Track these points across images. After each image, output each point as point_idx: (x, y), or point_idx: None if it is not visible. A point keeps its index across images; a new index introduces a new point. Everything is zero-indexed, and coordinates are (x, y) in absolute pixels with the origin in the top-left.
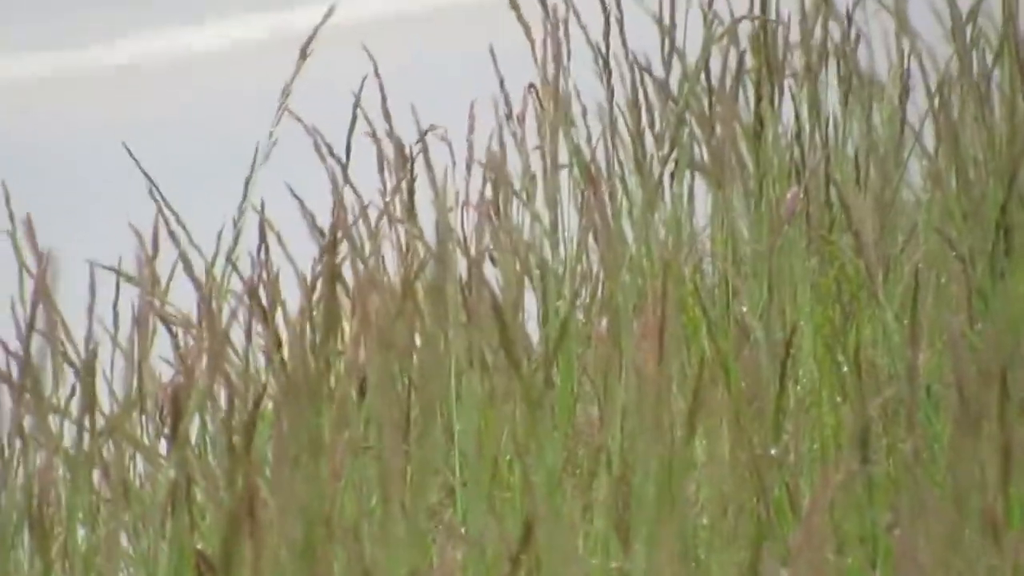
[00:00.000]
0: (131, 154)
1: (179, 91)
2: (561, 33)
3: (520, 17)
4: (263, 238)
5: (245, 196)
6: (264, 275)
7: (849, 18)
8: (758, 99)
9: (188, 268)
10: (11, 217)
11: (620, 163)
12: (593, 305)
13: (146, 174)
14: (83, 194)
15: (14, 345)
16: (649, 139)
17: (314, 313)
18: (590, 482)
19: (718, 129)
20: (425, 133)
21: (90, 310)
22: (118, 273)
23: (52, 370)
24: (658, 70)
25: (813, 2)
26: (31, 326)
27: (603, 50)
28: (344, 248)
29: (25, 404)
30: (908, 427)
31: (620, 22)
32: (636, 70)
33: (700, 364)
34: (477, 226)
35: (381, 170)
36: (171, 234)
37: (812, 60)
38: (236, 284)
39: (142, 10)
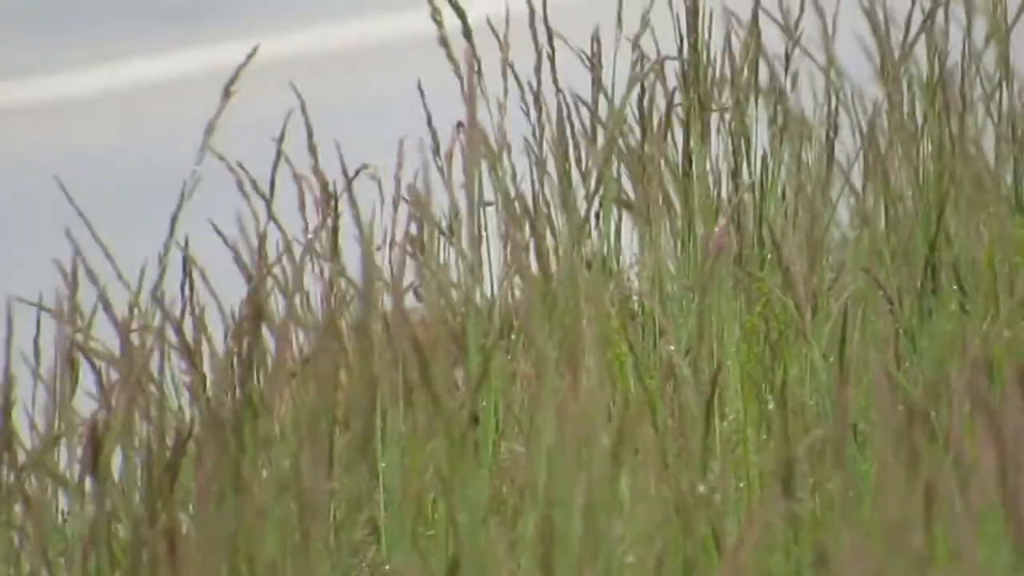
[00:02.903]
0: (62, 187)
1: (107, 126)
2: (488, 70)
3: (450, 55)
4: (187, 275)
5: (171, 233)
6: (189, 312)
7: (788, 57)
8: (686, 136)
9: (106, 304)
10: None
11: (547, 200)
12: (518, 342)
13: (77, 207)
14: (5, 227)
15: None
16: (576, 176)
17: (238, 349)
18: (515, 520)
19: (646, 166)
20: (358, 172)
21: (8, 344)
22: (39, 308)
23: None
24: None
25: (742, 41)
26: None
27: (533, 86)
28: (269, 285)
29: None
30: (834, 466)
31: (552, 59)
32: (564, 107)
33: (626, 401)
34: (400, 263)
35: (302, 207)
36: (88, 272)
37: (740, 98)
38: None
39: (70, 47)
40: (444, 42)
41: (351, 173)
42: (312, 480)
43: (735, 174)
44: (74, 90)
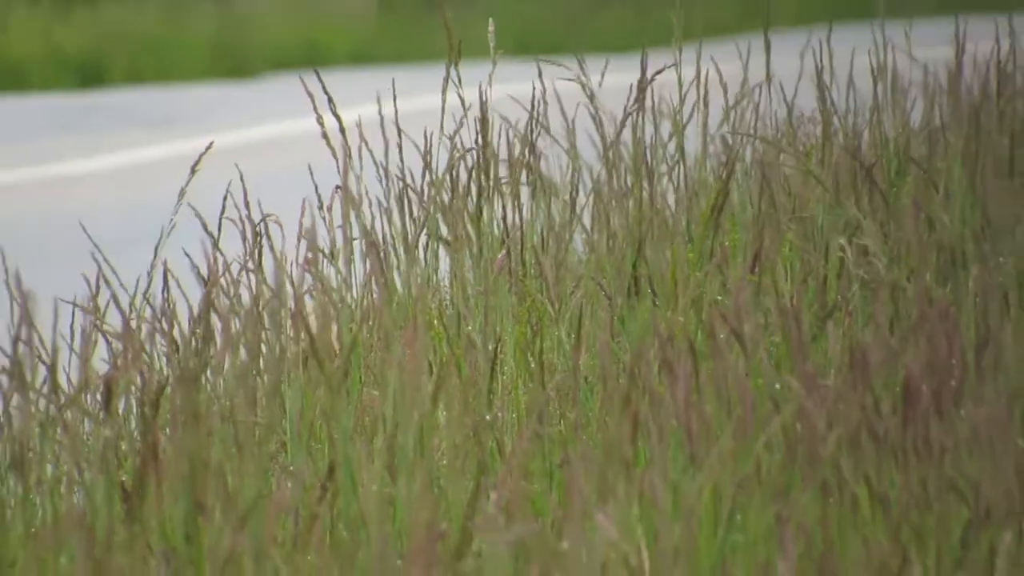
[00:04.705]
0: (84, 229)
1: (120, 192)
2: (356, 154)
3: (328, 144)
4: (167, 284)
5: (155, 256)
6: (167, 306)
7: (533, 145)
8: (479, 196)
9: (116, 302)
10: (3, 267)
11: (393, 237)
12: (375, 326)
13: (94, 242)
14: (52, 254)
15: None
16: (410, 223)
17: (198, 330)
18: (371, 438)
19: (455, 216)
20: (263, 218)
21: (54, 328)
22: (74, 305)
23: (31, 366)
24: (419, 177)
25: (515, 137)
26: (17, 339)
27: (384, 166)
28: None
29: (12, 387)
30: (572, 403)
31: (399, 146)
32: (403, 178)
33: (441, 362)
34: (301, 277)
35: (244, 239)
36: (105, 280)
37: (517, 173)
38: (148, 312)
39: (84, 142)
40: (325, 136)
41: (267, 221)
42: (243, 413)
43: (506, 219)
44: (84, 170)
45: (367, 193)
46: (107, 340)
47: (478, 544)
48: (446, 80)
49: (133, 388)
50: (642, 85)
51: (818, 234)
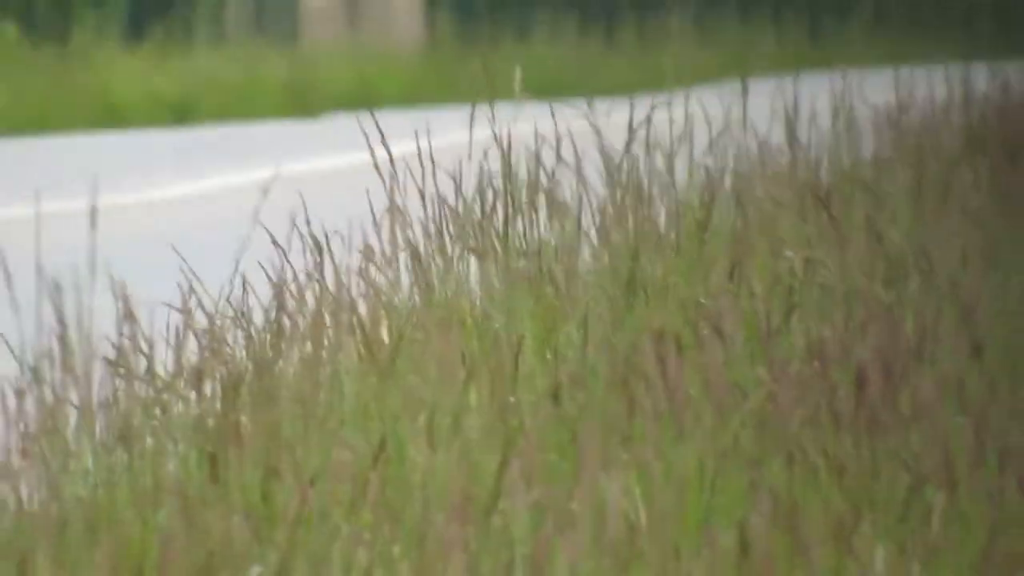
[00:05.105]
0: (176, 250)
1: (207, 213)
2: (400, 181)
3: (380, 175)
4: (245, 289)
5: (236, 269)
6: (245, 307)
7: (553, 171)
8: (504, 215)
9: (201, 306)
10: (110, 276)
11: (432, 249)
12: (418, 323)
13: (182, 258)
14: (150, 266)
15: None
16: (447, 236)
17: (271, 327)
18: (414, 417)
19: (484, 230)
20: (326, 234)
21: (150, 325)
22: (170, 307)
23: (136, 356)
24: (451, 200)
25: (533, 166)
26: (121, 334)
27: (423, 190)
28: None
29: (121, 374)
30: (581, 387)
31: (433, 175)
32: (439, 201)
33: (472, 353)
34: (357, 283)
35: (308, 252)
36: (195, 288)
37: (535, 196)
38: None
39: (177, 176)
40: (376, 168)
41: (330, 237)
42: (309, 394)
43: (526, 234)
44: (176, 194)
45: (411, 213)
46: (196, 336)
47: (504, 504)
48: (472, 118)
49: (218, 375)
50: (638, 124)
51: (784, 247)
